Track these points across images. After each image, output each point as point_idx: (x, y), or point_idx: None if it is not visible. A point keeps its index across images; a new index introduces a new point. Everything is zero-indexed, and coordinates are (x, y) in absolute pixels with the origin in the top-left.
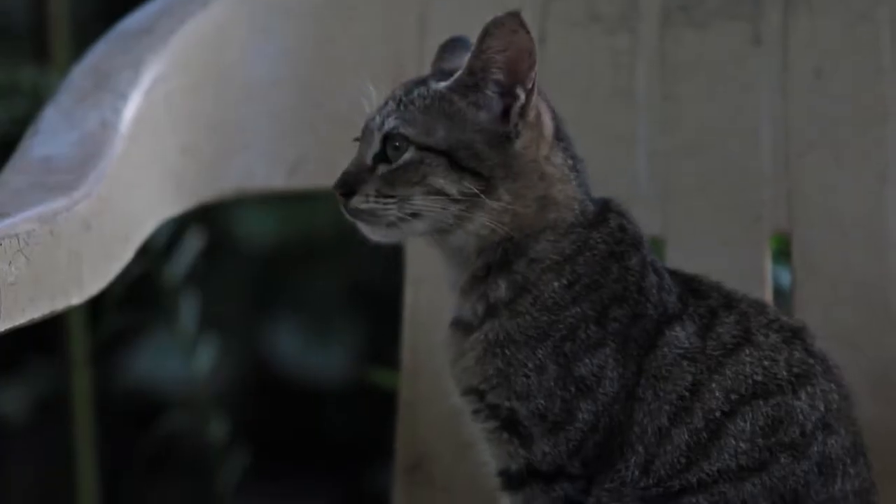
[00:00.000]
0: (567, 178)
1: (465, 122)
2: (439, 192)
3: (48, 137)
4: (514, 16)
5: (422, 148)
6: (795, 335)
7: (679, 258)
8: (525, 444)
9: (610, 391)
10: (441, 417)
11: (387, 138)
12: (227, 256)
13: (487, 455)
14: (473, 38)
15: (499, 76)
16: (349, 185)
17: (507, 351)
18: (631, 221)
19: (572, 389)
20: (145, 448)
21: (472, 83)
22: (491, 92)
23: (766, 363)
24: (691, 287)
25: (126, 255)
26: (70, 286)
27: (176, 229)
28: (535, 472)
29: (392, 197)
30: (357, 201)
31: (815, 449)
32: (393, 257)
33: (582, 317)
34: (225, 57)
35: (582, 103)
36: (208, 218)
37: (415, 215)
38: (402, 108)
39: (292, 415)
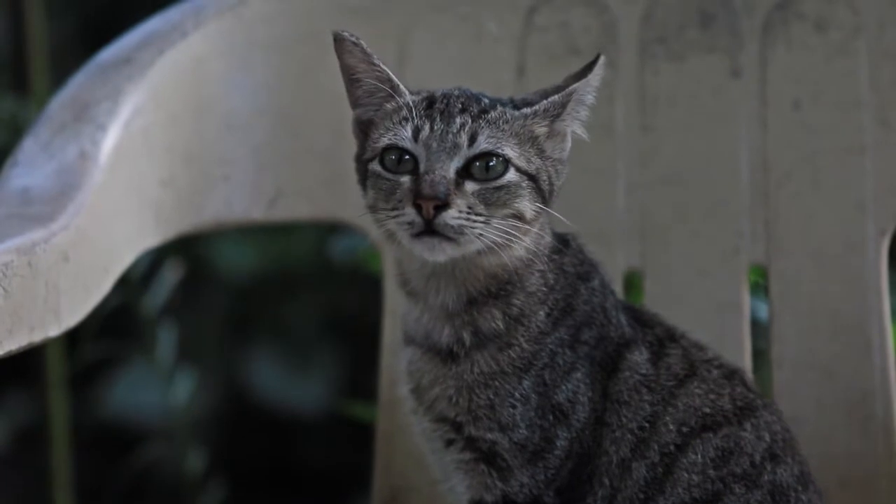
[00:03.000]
0: None
1: (542, 148)
2: (516, 216)
3: (27, 169)
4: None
5: (519, 171)
6: (734, 373)
7: (657, 290)
8: (503, 476)
9: (582, 417)
10: (418, 450)
11: (479, 156)
12: (206, 287)
13: (461, 486)
14: (451, 71)
15: (582, 110)
16: (448, 196)
17: (497, 382)
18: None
19: (550, 418)
20: (123, 478)
21: (556, 111)
22: (562, 122)
23: (712, 396)
24: (635, 315)
25: (104, 287)
26: (48, 318)
27: (154, 260)
28: (511, 503)
29: (481, 216)
30: (450, 216)
31: (766, 478)
32: (371, 288)
33: (560, 342)
34: (204, 88)
35: None
36: (187, 249)
37: (480, 236)
38: (485, 125)
39: (270, 446)
